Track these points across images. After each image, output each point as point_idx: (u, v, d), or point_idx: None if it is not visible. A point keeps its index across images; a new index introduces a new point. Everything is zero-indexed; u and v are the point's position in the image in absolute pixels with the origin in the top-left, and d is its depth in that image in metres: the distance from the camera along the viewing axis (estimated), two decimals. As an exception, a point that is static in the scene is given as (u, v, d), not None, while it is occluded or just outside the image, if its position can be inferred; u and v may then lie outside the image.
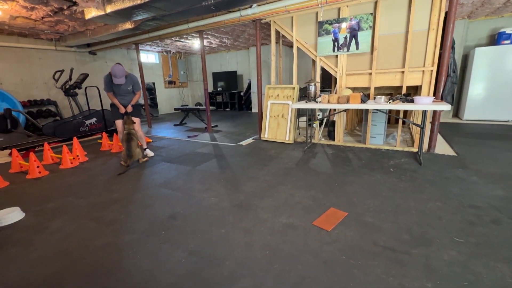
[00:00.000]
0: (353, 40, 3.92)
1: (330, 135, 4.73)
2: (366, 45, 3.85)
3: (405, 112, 5.25)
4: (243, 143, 4.97)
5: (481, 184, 2.69)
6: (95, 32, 5.71)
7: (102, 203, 2.67)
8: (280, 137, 4.84)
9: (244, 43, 8.59)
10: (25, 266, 1.77)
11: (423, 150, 3.86)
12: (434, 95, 3.68)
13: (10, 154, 4.60)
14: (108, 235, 2.09)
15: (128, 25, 4.84)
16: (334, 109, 4.49)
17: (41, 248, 1.96)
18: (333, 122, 4.64)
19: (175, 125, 7.52)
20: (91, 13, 3.97)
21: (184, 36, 6.84)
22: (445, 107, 2.98)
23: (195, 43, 8.18)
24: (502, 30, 5.64)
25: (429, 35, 3.50)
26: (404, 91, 3.80)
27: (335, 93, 4.30)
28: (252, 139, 5.25)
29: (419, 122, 3.93)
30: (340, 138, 4.56)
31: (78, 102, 6.78)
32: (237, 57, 10.26)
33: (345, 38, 3.97)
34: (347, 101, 3.54)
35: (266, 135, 5.02)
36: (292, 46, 7.12)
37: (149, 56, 9.78)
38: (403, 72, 3.76)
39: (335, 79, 4.63)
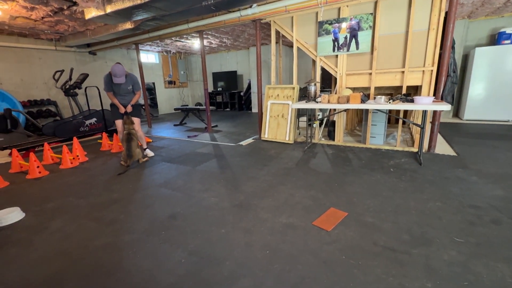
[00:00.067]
0: (353, 40, 3.92)
1: (330, 135, 4.73)
2: (366, 45, 3.85)
3: (405, 112, 5.25)
4: (243, 143, 4.97)
5: (481, 184, 2.68)
6: (95, 32, 5.71)
7: (102, 203, 2.67)
8: (280, 137, 4.84)
9: (244, 43, 8.59)
10: (25, 266, 1.77)
11: (423, 150, 3.86)
12: (434, 95, 3.68)
13: (10, 154, 4.60)
14: (108, 235, 2.09)
15: (128, 25, 4.84)
16: (334, 109, 4.49)
17: (41, 248, 1.96)
18: (333, 122, 4.64)
19: (175, 125, 7.52)
20: (91, 13, 3.97)
21: (184, 36, 6.84)
22: (445, 107, 2.98)
23: (195, 43, 8.18)
24: (502, 30, 5.64)
25: (429, 35, 3.50)
26: (404, 91, 3.80)
27: (335, 93, 4.30)
28: (252, 139, 5.25)
29: (419, 122, 3.93)
30: (340, 138, 4.56)
31: (78, 102, 6.78)
32: (237, 57, 10.26)
33: (345, 38, 3.97)
34: (347, 101, 3.54)
35: (266, 135, 5.02)
36: (292, 46, 7.11)
37: (149, 56, 9.79)
38: (403, 72, 3.76)
39: (335, 79, 4.63)
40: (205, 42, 8.00)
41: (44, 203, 2.74)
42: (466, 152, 3.73)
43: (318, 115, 5.17)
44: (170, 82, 10.73)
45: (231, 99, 10.65)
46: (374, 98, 3.91)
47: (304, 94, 4.57)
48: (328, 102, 3.69)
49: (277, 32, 5.24)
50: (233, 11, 4.63)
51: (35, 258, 1.86)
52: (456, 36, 6.00)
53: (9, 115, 5.04)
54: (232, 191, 2.82)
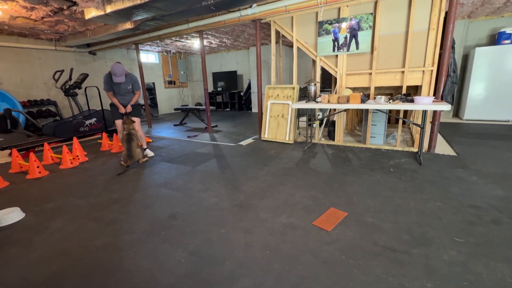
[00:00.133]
0: (353, 40, 3.92)
1: (330, 135, 4.73)
2: (366, 45, 3.85)
3: (405, 112, 5.25)
4: (243, 143, 4.97)
5: (481, 184, 2.68)
6: (95, 32, 5.71)
7: (102, 203, 2.67)
8: (280, 137, 4.84)
9: (244, 43, 8.59)
10: (25, 266, 1.77)
11: (423, 150, 3.86)
12: (434, 95, 3.68)
13: (10, 154, 4.60)
14: (108, 235, 2.09)
15: (128, 25, 4.84)
16: (334, 109, 4.49)
17: (41, 248, 1.96)
18: (333, 122, 4.64)
19: (175, 125, 7.52)
20: (91, 13, 3.97)
21: (184, 36, 6.84)
22: (445, 107, 2.98)
23: (195, 43, 8.17)
24: (502, 30, 5.64)
25: (429, 35, 3.50)
26: (404, 91, 3.80)
27: (335, 93, 4.30)
28: (252, 139, 5.25)
29: (419, 122, 3.93)
30: (340, 138, 4.56)
31: (78, 102, 6.78)
32: (237, 57, 10.26)
33: (345, 38, 3.97)
34: (347, 101, 3.54)
35: (266, 135, 5.02)
36: (292, 46, 7.11)
37: (149, 56, 9.79)
38: (403, 72, 3.76)
39: (335, 79, 4.63)
40: (205, 42, 8.00)
41: (44, 203, 2.74)
42: (466, 152, 3.73)
43: (318, 115, 5.17)
44: (170, 82, 10.73)
45: (231, 99, 10.65)
46: (374, 98, 3.91)
47: (304, 94, 4.57)
48: (328, 102, 3.69)
49: (277, 32, 5.24)
50: (233, 11, 4.63)
51: (35, 258, 1.86)
52: (456, 36, 6.00)
53: (9, 115, 5.04)
54: (232, 191, 2.82)
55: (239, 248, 1.85)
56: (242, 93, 10.31)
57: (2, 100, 5.78)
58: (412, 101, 3.29)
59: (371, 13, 3.73)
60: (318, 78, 4.47)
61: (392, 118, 5.92)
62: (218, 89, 10.73)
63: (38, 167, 3.59)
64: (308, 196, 2.61)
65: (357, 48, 3.92)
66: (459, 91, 6.56)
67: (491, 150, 3.78)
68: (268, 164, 3.62)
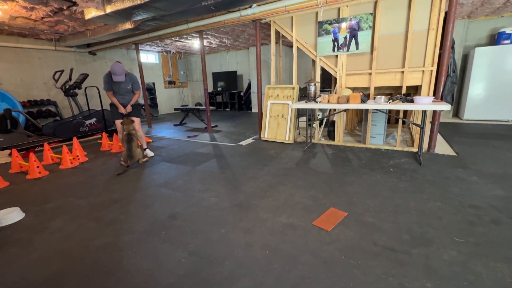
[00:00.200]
0: (353, 40, 3.92)
1: (330, 135, 4.73)
2: (366, 45, 3.85)
3: (405, 112, 5.25)
4: (243, 143, 4.97)
5: (481, 184, 2.69)
6: (95, 32, 5.71)
7: (102, 203, 2.67)
8: (280, 137, 4.84)
9: (244, 43, 8.59)
10: (25, 266, 1.77)
11: (423, 150, 3.86)
12: (434, 95, 3.68)
13: (10, 154, 4.60)
14: (108, 235, 2.09)
15: (128, 25, 4.84)
16: (334, 109, 4.49)
17: (41, 248, 1.96)
18: (333, 122, 4.64)
19: (175, 125, 7.52)
20: (91, 13, 3.97)
21: (184, 36, 6.84)
22: (445, 107, 2.98)
23: (195, 43, 8.18)
24: (502, 30, 5.64)
25: (429, 35, 3.50)
26: (404, 91, 3.80)
27: (335, 93, 4.30)
28: (252, 139, 5.25)
29: (419, 122, 3.93)
30: (340, 138, 4.56)
31: (78, 102, 6.78)
32: (237, 57, 10.26)
33: (345, 38, 3.97)
34: (347, 101, 3.54)
35: (266, 135, 5.02)
36: (292, 46, 7.10)
37: (149, 56, 9.79)
38: (403, 72, 3.76)
39: (335, 79, 4.64)
40: (205, 42, 8.00)
41: (44, 203, 2.74)
42: (466, 152, 3.73)
43: (318, 115, 5.17)
44: (170, 82, 10.73)
45: (231, 99, 10.65)
46: (374, 98, 3.91)
47: (304, 94, 4.57)
48: (328, 102, 3.69)
49: (277, 32, 5.24)
50: (233, 11, 4.63)
51: (35, 258, 1.86)
52: (455, 36, 6.00)
53: (9, 115, 5.04)
54: (232, 191, 2.82)
55: (239, 248, 1.85)
56: (242, 93, 10.31)
57: (2, 100, 5.78)
58: (411, 101, 3.30)
59: (371, 13, 3.73)
60: (318, 78, 4.47)
61: (392, 118, 5.92)
62: (218, 89, 10.73)
63: (38, 167, 3.59)
64: (308, 196, 2.61)
65: (357, 48, 3.92)
66: (459, 91, 6.57)
67: (491, 150, 3.78)
68: (268, 164, 3.62)
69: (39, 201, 2.79)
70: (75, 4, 4.06)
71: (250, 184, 2.96)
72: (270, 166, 3.53)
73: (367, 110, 4.19)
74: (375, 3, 3.70)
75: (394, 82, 3.87)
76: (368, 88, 4.25)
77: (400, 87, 4.05)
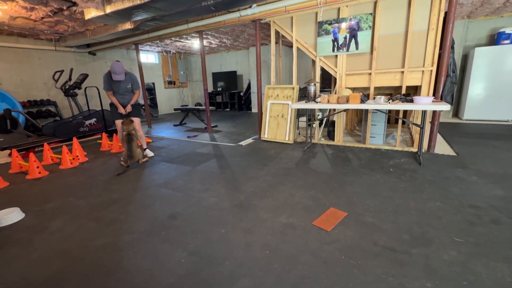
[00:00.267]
0: (353, 40, 3.93)
1: (330, 135, 4.73)
2: (366, 45, 3.85)
3: (405, 112, 5.25)
4: (243, 143, 4.97)
5: (481, 184, 2.69)
6: (95, 32, 5.71)
7: (102, 203, 2.67)
8: (280, 137, 4.84)
9: (244, 43, 8.60)
10: (25, 266, 1.77)
11: (423, 150, 3.86)
12: (433, 95, 3.68)
13: (10, 155, 4.60)
14: (108, 235, 2.09)
15: (128, 26, 4.84)
16: (334, 109, 4.49)
17: (41, 248, 1.96)
18: (333, 122, 4.64)
19: (175, 125, 7.52)
20: (91, 13, 3.97)
21: (184, 36, 6.84)
22: (445, 107, 2.98)
23: (194, 43, 8.18)
24: (501, 30, 5.65)
25: (428, 35, 3.50)
26: (403, 91, 3.80)
27: (335, 93, 4.30)
28: (252, 139, 5.25)
29: (418, 122, 3.93)
30: (340, 138, 4.56)
31: (78, 103, 6.78)
32: (236, 57, 10.27)
33: (345, 38, 3.97)
34: (347, 101, 3.54)
35: (266, 135, 5.02)
36: (291, 46, 7.10)
37: (148, 56, 9.79)
38: (402, 72, 3.76)
39: (335, 79, 4.64)
40: (205, 42, 8.01)
41: (44, 203, 2.74)
42: (466, 152, 3.73)
43: (318, 115, 5.17)
44: (170, 82, 10.73)
45: (231, 99, 10.65)
46: (374, 98, 3.91)
47: (303, 94, 4.57)
48: (328, 102, 3.69)
49: (277, 32, 5.24)
50: (233, 11, 4.63)
51: (35, 258, 1.86)
52: (455, 36, 6.01)
53: (9, 115, 5.04)
54: (232, 191, 2.82)
55: (239, 248, 1.85)
56: (242, 93, 10.31)
57: (2, 100, 5.78)
58: (411, 101, 3.30)
59: (371, 13, 3.73)
60: (317, 78, 4.47)
61: (392, 118, 5.92)
62: (218, 89, 10.73)
63: (38, 167, 3.59)
64: (308, 196, 2.61)
65: (357, 48, 3.92)
66: (459, 91, 6.57)
67: (491, 150, 3.78)
68: (268, 164, 3.62)
69: (39, 201, 2.79)
70: (75, 4, 4.06)
71: (250, 184, 2.96)
72: (270, 166, 3.53)
73: (367, 110, 4.19)
74: (375, 3, 3.71)
75: (394, 82, 3.87)
76: (368, 88, 4.25)
77: (400, 87, 4.05)
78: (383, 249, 1.77)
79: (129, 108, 3.94)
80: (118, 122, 3.96)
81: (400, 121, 3.98)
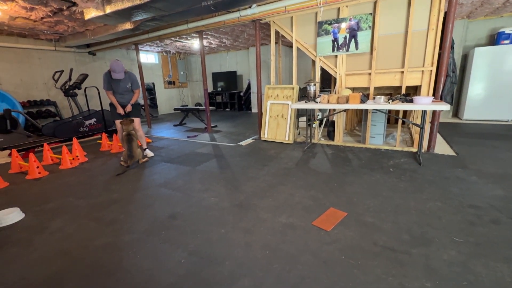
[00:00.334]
0: (353, 40, 3.93)
1: (330, 135, 4.73)
2: (366, 45, 3.86)
3: (405, 112, 5.25)
4: (243, 143, 4.97)
5: (481, 184, 2.69)
6: (95, 32, 5.71)
7: (102, 203, 2.67)
8: (280, 137, 4.84)
9: (243, 43, 8.60)
10: (25, 266, 1.77)
11: (423, 150, 3.86)
12: (433, 95, 3.69)
13: (9, 155, 4.60)
14: (108, 235, 2.09)
15: (128, 26, 4.84)
16: (334, 109, 4.50)
17: (41, 248, 1.96)
18: (333, 122, 4.64)
19: (174, 125, 7.52)
20: (91, 13, 3.97)
21: (184, 36, 6.84)
22: (445, 107, 2.98)
23: (194, 43, 8.18)
24: (501, 30, 5.65)
25: (428, 35, 3.50)
26: (403, 91, 3.81)
27: (335, 93, 4.30)
28: (252, 139, 5.25)
29: (418, 122, 3.93)
30: (340, 138, 4.56)
31: (77, 103, 6.78)
32: (236, 57, 10.27)
33: (345, 38, 3.97)
34: (347, 101, 3.55)
35: (266, 135, 5.02)
36: (291, 46, 7.10)
37: (148, 57, 9.79)
38: (402, 72, 3.76)
39: (335, 79, 4.64)
40: (205, 42, 8.01)
41: (44, 203, 2.74)
42: (466, 152, 3.74)
43: (318, 115, 5.17)
44: (169, 83, 10.73)
45: (231, 99, 10.65)
46: (374, 98, 3.91)
47: (303, 94, 4.57)
48: (328, 102, 3.69)
49: (277, 32, 5.24)
50: (233, 12, 4.63)
51: (35, 258, 1.86)
52: (455, 36, 6.01)
53: (9, 115, 5.04)
54: (232, 191, 2.82)
55: (239, 248, 1.85)
56: (241, 93, 10.32)
57: (1, 100, 5.78)
58: (411, 101, 3.30)
59: (371, 13, 3.73)
60: (317, 78, 4.47)
61: (392, 118, 5.92)
62: (218, 89, 10.73)
63: (37, 167, 3.59)
64: (308, 196, 2.61)
65: (357, 48, 3.92)
66: (459, 91, 6.57)
67: (491, 150, 3.78)
68: (268, 164, 3.62)
69: (39, 202, 2.79)
70: (74, 4, 4.06)
71: (250, 184, 2.96)
72: (270, 166, 3.53)
73: (366, 110, 4.19)
74: (375, 3, 3.71)
75: (393, 82, 3.87)
76: (367, 88, 4.25)
77: (399, 87, 4.05)
78: (383, 249, 1.77)
79: (129, 108, 3.94)
80: (118, 122, 3.96)
81: (400, 121, 3.99)
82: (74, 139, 4.37)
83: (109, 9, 3.75)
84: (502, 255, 1.66)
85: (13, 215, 2.39)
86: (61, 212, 2.52)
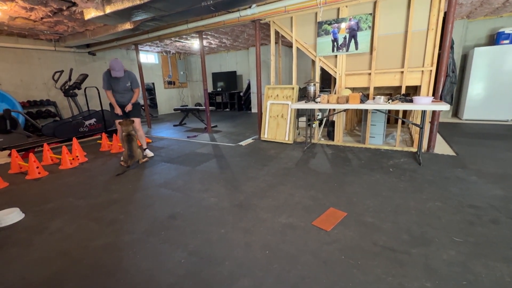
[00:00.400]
0: (353, 40, 3.93)
1: (330, 135, 4.74)
2: (366, 45, 3.86)
3: (404, 112, 5.26)
4: (243, 143, 4.97)
5: (480, 184, 2.69)
6: (95, 32, 5.71)
7: (102, 204, 2.67)
8: (280, 137, 4.84)
9: (243, 44, 8.60)
10: (25, 266, 1.77)
11: (423, 150, 3.86)
12: (433, 95, 3.69)
13: (9, 155, 4.60)
14: (108, 235, 2.09)
15: (128, 26, 4.84)
16: (334, 109, 4.50)
17: (41, 248, 1.96)
18: (333, 122, 4.64)
19: (174, 125, 7.52)
20: (91, 13, 3.97)
21: (184, 36, 6.84)
22: (444, 107, 2.98)
23: (194, 44, 8.18)
24: (501, 30, 5.65)
25: (428, 35, 3.51)
26: (403, 91, 3.81)
27: (335, 93, 4.30)
28: (252, 139, 5.25)
29: (418, 122, 3.94)
30: (340, 138, 4.57)
31: (77, 103, 6.77)
32: (236, 57, 10.27)
33: (345, 38, 3.98)
34: (347, 101, 3.55)
35: (266, 135, 5.02)
36: (291, 46, 7.10)
37: (148, 57, 9.79)
38: (402, 72, 3.76)
39: (335, 79, 4.64)
40: (205, 42, 8.01)
41: (44, 203, 2.74)
42: (466, 152, 3.74)
43: (318, 115, 5.17)
44: (169, 83, 10.73)
45: (231, 99, 10.65)
46: (374, 98, 3.92)
47: (303, 94, 4.57)
48: (328, 102, 3.69)
49: (277, 33, 5.25)
50: (233, 12, 4.63)
51: (35, 258, 1.86)
52: (455, 36, 6.01)
53: (9, 115, 5.04)
54: (232, 191, 2.82)
55: (239, 248, 1.85)
56: (241, 93, 10.32)
57: (1, 100, 5.77)
58: (411, 101, 3.30)
59: (370, 14, 3.74)
60: (317, 78, 4.47)
61: (392, 118, 5.92)
62: (218, 89, 10.73)
63: (37, 167, 3.59)
64: (307, 196, 2.61)
65: (356, 48, 3.93)
66: (458, 91, 6.58)
67: (491, 150, 3.79)
68: (267, 164, 3.62)
69: (38, 202, 2.79)
70: (74, 4, 4.06)
71: (250, 184, 2.96)
72: (270, 166, 3.54)
73: (366, 110, 4.19)
74: (375, 3, 3.71)
75: (393, 82, 3.87)
76: (367, 88, 4.25)
77: (399, 87, 4.05)
78: (383, 249, 1.77)
79: (129, 107, 3.94)
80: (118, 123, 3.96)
81: (399, 121, 3.99)
82: (74, 139, 4.37)
83: (109, 9, 3.75)
84: (501, 255, 1.66)
85: (13, 215, 2.39)
86: (61, 212, 2.52)
